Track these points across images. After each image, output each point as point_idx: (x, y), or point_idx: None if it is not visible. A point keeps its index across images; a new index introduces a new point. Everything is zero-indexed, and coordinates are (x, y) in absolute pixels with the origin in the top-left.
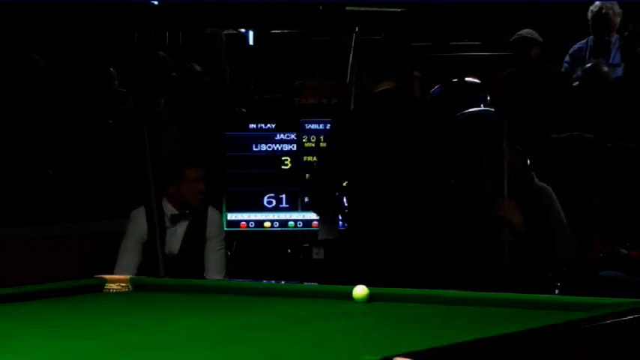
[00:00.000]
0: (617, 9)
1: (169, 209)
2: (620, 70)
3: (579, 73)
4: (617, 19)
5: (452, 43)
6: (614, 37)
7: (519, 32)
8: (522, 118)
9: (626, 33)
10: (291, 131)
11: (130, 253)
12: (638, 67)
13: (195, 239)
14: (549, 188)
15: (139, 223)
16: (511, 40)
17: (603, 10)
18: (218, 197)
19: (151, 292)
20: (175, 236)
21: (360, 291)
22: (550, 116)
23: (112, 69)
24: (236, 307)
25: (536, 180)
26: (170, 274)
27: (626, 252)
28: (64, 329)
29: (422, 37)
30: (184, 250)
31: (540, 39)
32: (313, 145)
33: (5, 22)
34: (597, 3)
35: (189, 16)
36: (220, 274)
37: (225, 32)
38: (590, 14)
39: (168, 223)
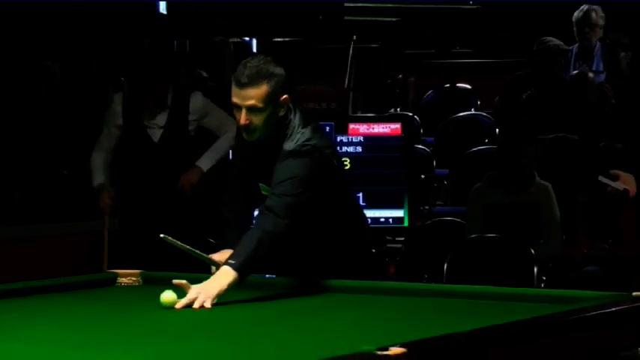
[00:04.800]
0: (600, 12)
1: (146, 102)
2: (602, 77)
3: (567, 79)
4: (601, 22)
5: (453, 50)
6: (597, 44)
7: (547, 41)
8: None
9: (607, 41)
10: None
11: (108, 135)
12: (619, 72)
13: (175, 129)
14: (549, 186)
15: (115, 111)
16: (536, 49)
17: (585, 8)
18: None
19: (160, 286)
20: (156, 126)
21: (167, 297)
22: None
23: (122, 78)
24: (240, 300)
25: (537, 178)
26: (154, 164)
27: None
28: (78, 320)
29: (417, 45)
30: (162, 141)
31: (563, 48)
32: None
33: (21, 30)
34: (583, 5)
35: (197, 25)
36: (228, 125)
37: (230, 40)
38: (574, 17)
39: (146, 118)
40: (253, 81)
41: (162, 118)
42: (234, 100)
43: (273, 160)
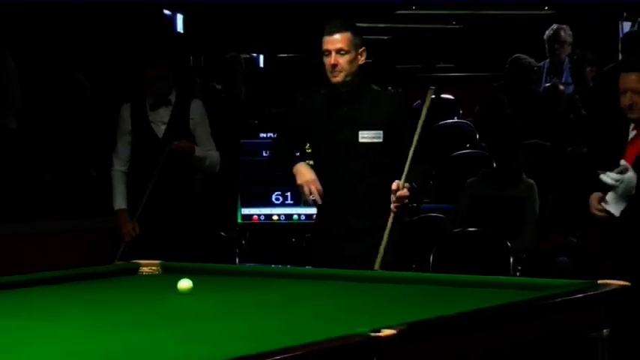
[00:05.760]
0: (568, 30)
1: (149, 99)
2: (571, 88)
3: (540, 91)
4: (569, 39)
5: (438, 65)
6: (566, 59)
7: (521, 58)
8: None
9: (575, 57)
10: None
11: (122, 143)
12: (586, 85)
13: (177, 126)
14: (534, 184)
15: (124, 119)
16: (509, 62)
17: (555, 27)
18: (234, 194)
19: (177, 275)
20: (160, 122)
21: (184, 284)
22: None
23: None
24: (249, 286)
25: (524, 176)
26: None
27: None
28: (104, 304)
29: (406, 60)
30: (166, 137)
31: (534, 65)
32: None
33: (55, 45)
34: (553, 25)
35: (211, 43)
36: (209, 145)
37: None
38: (546, 35)
39: (149, 112)
40: (340, 29)
41: (166, 115)
42: (325, 47)
43: (361, 104)
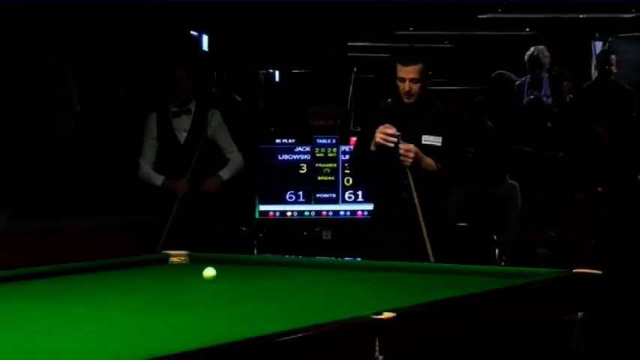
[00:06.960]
0: (546, 52)
1: (172, 107)
2: (550, 101)
3: (524, 103)
4: (547, 60)
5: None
6: (545, 75)
7: (504, 74)
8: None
9: (553, 72)
10: (307, 145)
11: (149, 147)
12: (563, 98)
13: (196, 133)
14: (517, 185)
15: (150, 126)
16: (493, 76)
17: (535, 53)
18: (253, 193)
19: (204, 264)
20: (182, 130)
21: (209, 272)
22: (507, 133)
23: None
24: (266, 274)
25: (507, 177)
26: (181, 162)
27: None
28: (138, 288)
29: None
30: (187, 142)
31: (515, 79)
32: (323, 155)
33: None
34: (532, 48)
35: (233, 61)
36: (231, 147)
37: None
38: (526, 57)
39: (172, 119)
40: (413, 60)
41: (187, 122)
42: (400, 75)
43: (424, 116)
